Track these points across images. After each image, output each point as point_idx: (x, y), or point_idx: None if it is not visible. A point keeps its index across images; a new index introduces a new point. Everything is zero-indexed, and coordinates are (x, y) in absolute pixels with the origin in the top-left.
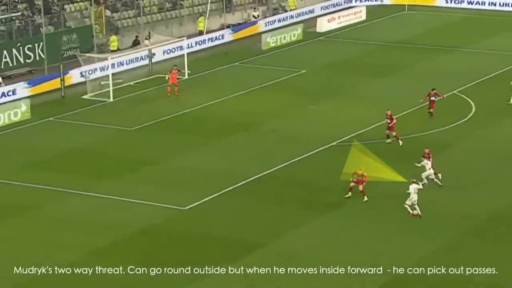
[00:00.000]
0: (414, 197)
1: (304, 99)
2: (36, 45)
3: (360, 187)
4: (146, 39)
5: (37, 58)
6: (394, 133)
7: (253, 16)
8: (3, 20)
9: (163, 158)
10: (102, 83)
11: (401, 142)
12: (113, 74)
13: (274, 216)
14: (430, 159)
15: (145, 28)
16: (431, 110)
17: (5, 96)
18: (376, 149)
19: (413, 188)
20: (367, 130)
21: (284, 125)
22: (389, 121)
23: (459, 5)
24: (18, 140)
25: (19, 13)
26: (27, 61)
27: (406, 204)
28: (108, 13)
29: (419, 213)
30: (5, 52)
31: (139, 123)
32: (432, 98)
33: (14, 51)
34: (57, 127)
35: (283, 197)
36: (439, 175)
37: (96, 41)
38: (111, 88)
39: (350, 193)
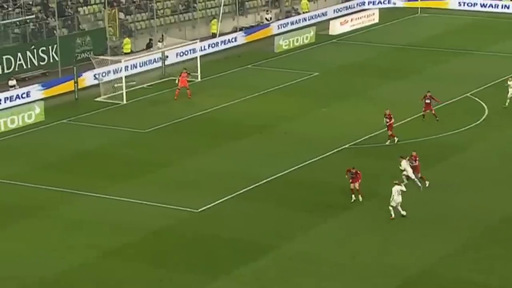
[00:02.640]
0: (398, 199)
1: (317, 102)
2: (50, 47)
3: (356, 185)
4: (159, 41)
5: (51, 60)
6: (390, 132)
7: (266, 18)
8: (18, 23)
9: (175, 160)
10: (116, 85)
11: (396, 139)
12: (126, 77)
13: (286, 218)
14: (417, 161)
15: (158, 31)
16: (424, 113)
17: (19, 99)
18: (389, 151)
19: (396, 190)
20: (380, 133)
21: (296, 128)
22: (387, 120)
23: (472, 8)
24: (32, 142)
25: (33, 16)
26: (41, 63)
27: (391, 206)
28: (121, 15)
29: (403, 213)
30: (19, 54)
31: (152, 125)
32: (427, 101)
33: (28, 53)
34: (70, 129)
35: (295, 200)
36: (427, 182)
37: (109, 44)
38: (124, 91)
39: (353, 196)
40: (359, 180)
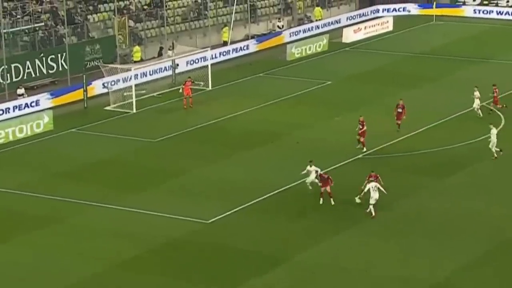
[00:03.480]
0: (374, 195)
1: (330, 111)
2: (59, 55)
3: (328, 189)
4: (169, 49)
5: (60, 68)
6: (362, 139)
7: (278, 26)
8: (27, 30)
9: (187, 170)
10: (125, 94)
11: (364, 149)
12: (136, 85)
13: (298, 229)
14: (374, 180)
15: (168, 39)
16: (399, 122)
17: (28, 107)
18: (404, 162)
19: (371, 186)
20: (394, 143)
21: (309, 137)
22: (360, 127)
23: (487, 16)
24: (41, 152)
25: (42, 24)
26: (50, 71)
27: (370, 204)
28: (131, 23)
29: (372, 213)
30: (28, 62)
31: (163, 135)
32: (399, 110)
33: (37, 61)
34: (79, 139)
35: (308, 210)
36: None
37: (119, 52)
38: (134, 99)
39: (322, 200)
40: (331, 184)
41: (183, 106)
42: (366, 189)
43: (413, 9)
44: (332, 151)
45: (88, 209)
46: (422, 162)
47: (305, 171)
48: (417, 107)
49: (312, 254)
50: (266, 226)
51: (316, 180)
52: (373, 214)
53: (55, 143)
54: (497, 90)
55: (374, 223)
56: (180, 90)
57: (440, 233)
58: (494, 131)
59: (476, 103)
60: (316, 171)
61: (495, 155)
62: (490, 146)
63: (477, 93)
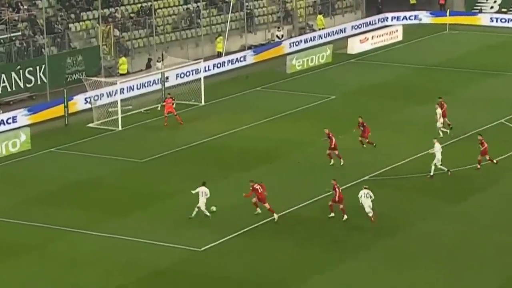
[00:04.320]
0: (366, 201)
1: (333, 128)
2: (37, 68)
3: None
4: (158, 61)
5: (39, 82)
6: (336, 152)
7: (277, 36)
8: (2, 40)
9: (176, 193)
10: (110, 110)
11: (332, 161)
12: (122, 100)
13: (299, 258)
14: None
15: (158, 49)
16: (362, 139)
17: (3, 125)
18: (415, 184)
19: (363, 193)
20: (403, 163)
21: (311, 157)
22: (326, 138)
23: (505, 25)
24: (17, 173)
25: (19, 33)
26: (28, 85)
27: (368, 213)
28: (117, 32)
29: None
30: (3, 76)
31: (151, 154)
32: (362, 128)
33: (14, 74)
34: (60, 159)
35: (309, 237)
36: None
37: (103, 64)
38: (119, 116)
39: (258, 209)
40: (261, 199)
41: (164, 124)
42: (360, 200)
43: (425, 17)
44: (336, 173)
45: (68, 236)
46: (434, 184)
47: (195, 191)
48: (428, 124)
49: (313, 286)
50: (264, 254)
51: (204, 202)
52: (372, 219)
53: (32, 164)
54: (443, 103)
55: (382, 250)
56: (159, 108)
57: (451, 262)
58: (437, 146)
59: (440, 122)
60: (205, 193)
61: (431, 173)
62: (434, 163)
63: (439, 110)
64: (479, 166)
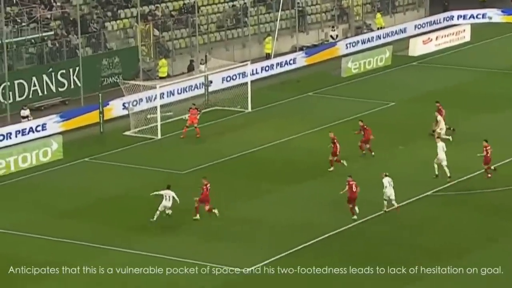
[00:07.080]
0: (389, 191)
1: (392, 138)
2: (71, 70)
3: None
4: (201, 63)
5: (72, 86)
6: (336, 158)
7: (331, 36)
8: (33, 40)
9: (220, 208)
10: (149, 116)
11: (332, 168)
12: (161, 106)
13: (356, 281)
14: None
15: (201, 51)
16: (363, 144)
17: (33, 132)
18: (483, 200)
19: (386, 181)
20: (470, 177)
21: (366, 170)
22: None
23: None
24: (48, 185)
25: (52, 32)
26: (60, 89)
27: (384, 199)
28: (156, 32)
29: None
30: (34, 79)
31: (192, 165)
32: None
33: (45, 77)
34: (94, 169)
35: (366, 258)
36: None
37: (142, 66)
38: (159, 123)
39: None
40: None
41: (181, 136)
42: (384, 187)
43: (495, 16)
44: (394, 187)
45: (104, 255)
46: (504, 201)
47: (156, 193)
48: (499, 135)
49: None
50: (316, 278)
51: (169, 205)
52: (385, 209)
53: (64, 175)
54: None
55: (437, 279)
56: (184, 118)
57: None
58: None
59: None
60: (170, 197)
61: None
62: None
63: (439, 117)
64: None
